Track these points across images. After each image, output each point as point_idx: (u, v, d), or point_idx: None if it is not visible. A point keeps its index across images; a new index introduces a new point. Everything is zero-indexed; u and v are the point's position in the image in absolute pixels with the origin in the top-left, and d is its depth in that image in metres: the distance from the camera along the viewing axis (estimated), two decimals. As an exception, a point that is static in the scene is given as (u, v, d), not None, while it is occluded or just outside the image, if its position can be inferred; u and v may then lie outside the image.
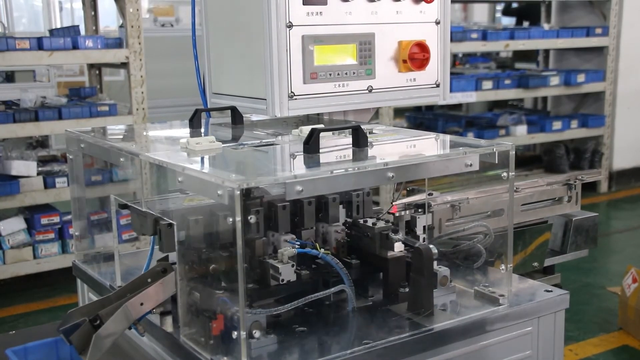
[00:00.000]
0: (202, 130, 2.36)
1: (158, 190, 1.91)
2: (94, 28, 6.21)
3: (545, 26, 7.79)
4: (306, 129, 1.99)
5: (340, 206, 1.98)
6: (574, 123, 7.52)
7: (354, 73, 2.32)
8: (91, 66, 6.44)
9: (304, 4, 2.20)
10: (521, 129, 7.31)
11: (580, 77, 7.35)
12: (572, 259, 2.61)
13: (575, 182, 2.50)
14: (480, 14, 13.71)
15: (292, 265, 1.77)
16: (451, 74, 2.56)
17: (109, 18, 9.04)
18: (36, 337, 2.49)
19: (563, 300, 1.98)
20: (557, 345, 2.00)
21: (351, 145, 1.94)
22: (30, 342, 2.34)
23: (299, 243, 1.82)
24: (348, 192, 1.97)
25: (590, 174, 2.57)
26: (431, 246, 1.83)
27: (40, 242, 4.99)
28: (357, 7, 2.30)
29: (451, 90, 2.56)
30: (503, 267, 1.93)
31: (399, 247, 1.89)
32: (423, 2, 2.41)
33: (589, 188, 7.37)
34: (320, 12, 2.24)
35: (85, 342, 1.62)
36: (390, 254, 1.89)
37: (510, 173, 1.87)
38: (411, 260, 1.84)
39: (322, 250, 1.80)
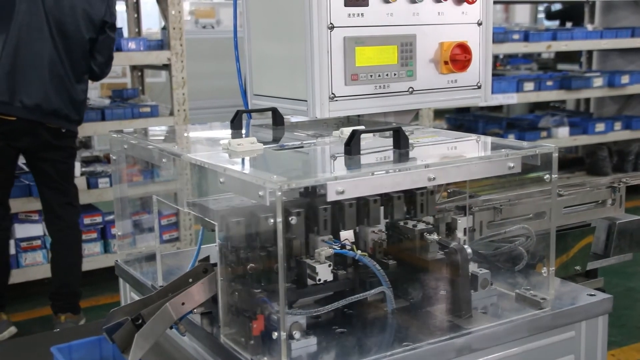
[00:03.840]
0: (243, 131, 2.38)
1: (199, 191, 1.93)
2: (136, 30, 6.29)
3: (589, 27, 7.67)
4: (347, 131, 1.99)
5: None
6: (618, 125, 7.39)
7: (395, 74, 2.31)
8: (133, 68, 6.52)
9: (345, 6, 2.21)
10: (563, 131, 7.21)
11: (625, 79, 7.23)
12: (616, 262, 2.57)
13: (619, 184, 2.46)
14: (522, 14, 13.57)
15: (329, 265, 1.77)
16: (492, 75, 2.55)
17: (151, 20, 9.14)
18: (79, 335, 2.52)
19: (606, 304, 1.95)
20: (600, 350, 1.97)
21: (392, 147, 1.93)
22: (74, 340, 2.37)
23: (336, 243, 1.82)
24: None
25: (635, 177, 2.53)
26: (465, 246, 1.82)
27: (83, 242, 5.06)
28: (399, 9, 2.29)
29: (492, 92, 2.54)
30: (545, 270, 1.91)
31: (435, 247, 1.88)
32: (465, 3, 2.40)
33: (633, 191, 7.23)
34: (362, 14, 2.24)
35: (128, 341, 1.64)
36: (429, 255, 1.89)
37: (553, 175, 1.85)
38: (446, 260, 1.83)
39: (359, 251, 1.80)
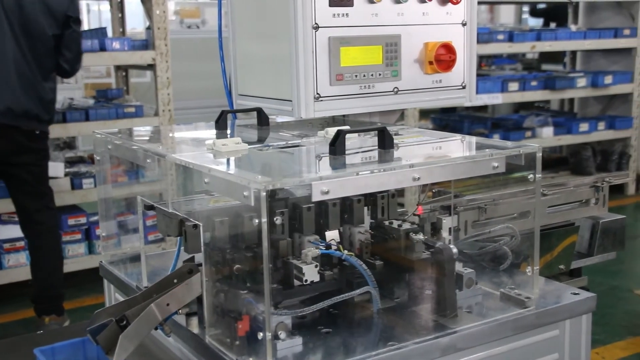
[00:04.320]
0: (228, 131, 2.37)
1: (184, 191, 1.92)
2: (121, 30, 6.27)
3: (573, 27, 7.72)
4: (332, 131, 1.99)
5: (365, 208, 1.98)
6: (601, 125, 7.45)
7: (379, 74, 2.31)
8: (118, 68, 6.50)
9: (330, 6, 2.21)
10: (547, 131, 7.25)
11: (608, 79, 7.28)
12: (599, 261, 2.59)
13: (602, 184, 2.48)
14: (506, 15, 13.62)
15: (316, 266, 1.77)
16: (477, 75, 2.55)
17: (135, 20, 9.11)
18: (63, 337, 2.51)
19: (590, 303, 1.96)
20: (584, 348, 1.98)
21: (377, 147, 1.94)
22: (57, 342, 2.36)
23: (322, 244, 1.82)
24: (373, 193, 1.97)
25: (617, 176, 2.55)
26: (451, 246, 1.82)
27: (67, 243, 5.04)
28: (384, 9, 2.30)
29: (477, 92, 2.55)
30: (529, 269, 1.92)
31: (420, 247, 1.88)
32: (449, 4, 2.40)
33: (616, 190, 7.29)
34: (347, 14, 2.24)
35: (112, 343, 1.64)
36: (414, 255, 1.89)
37: (537, 175, 1.86)
38: (432, 260, 1.84)
39: (346, 251, 1.80)
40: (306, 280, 1.76)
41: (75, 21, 4.26)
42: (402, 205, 2.08)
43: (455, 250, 1.82)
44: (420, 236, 1.89)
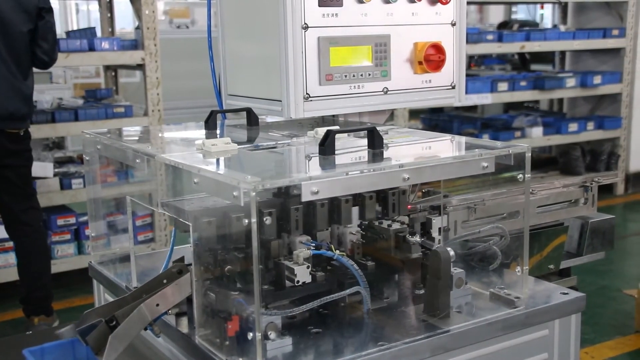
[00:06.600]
0: (218, 131, 2.37)
1: (174, 192, 1.92)
2: (110, 30, 6.24)
3: (562, 28, 7.75)
4: (321, 131, 1.99)
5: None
6: (590, 125, 7.48)
7: (369, 74, 2.32)
8: (107, 68, 6.47)
9: (319, 6, 2.21)
10: (537, 131, 7.28)
11: (597, 79, 7.31)
12: (589, 261, 2.60)
13: (591, 184, 2.49)
14: (496, 15, 13.66)
15: (308, 267, 1.77)
16: (466, 75, 2.56)
17: (125, 20, 9.08)
18: (52, 337, 2.49)
19: (579, 302, 1.97)
20: (573, 348, 1.98)
21: (366, 147, 1.94)
22: (46, 343, 2.35)
23: (314, 244, 1.82)
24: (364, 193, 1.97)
25: (606, 176, 2.56)
26: (449, 249, 1.82)
27: (56, 243, 5.02)
28: (373, 9, 2.30)
29: (466, 92, 2.55)
30: (519, 269, 1.93)
31: (416, 249, 1.88)
32: (439, 4, 2.41)
33: (605, 190, 7.32)
34: (336, 14, 2.24)
35: (102, 343, 1.63)
36: (406, 256, 1.89)
37: (526, 175, 1.86)
38: (428, 262, 1.84)
39: (337, 251, 1.80)
40: (298, 282, 1.75)
41: (47, 11, 4.19)
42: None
43: (452, 253, 1.82)
44: (417, 238, 1.90)
